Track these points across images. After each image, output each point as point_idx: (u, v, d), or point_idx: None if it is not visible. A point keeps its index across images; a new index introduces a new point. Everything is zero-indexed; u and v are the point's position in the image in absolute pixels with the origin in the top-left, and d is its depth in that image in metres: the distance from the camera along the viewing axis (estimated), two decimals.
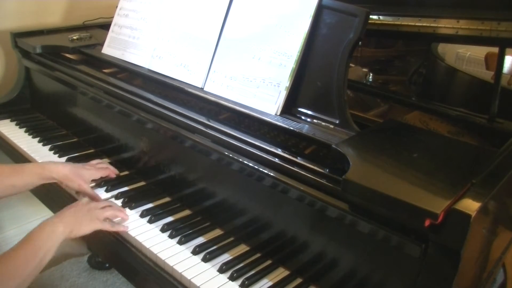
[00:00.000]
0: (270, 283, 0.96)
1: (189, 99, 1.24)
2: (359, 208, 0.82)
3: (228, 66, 1.19)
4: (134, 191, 1.25)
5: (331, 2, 1.05)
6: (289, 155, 0.95)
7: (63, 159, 1.41)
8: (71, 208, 1.06)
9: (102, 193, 1.24)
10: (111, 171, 1.30)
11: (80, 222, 1.03)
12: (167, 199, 1.23)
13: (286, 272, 0.99)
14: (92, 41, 1.67)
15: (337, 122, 1.03)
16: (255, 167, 0.98)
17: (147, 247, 1.03)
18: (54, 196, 1.31)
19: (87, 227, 1.03)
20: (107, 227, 1.06)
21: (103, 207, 1.10)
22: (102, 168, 1.29)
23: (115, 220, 1.11)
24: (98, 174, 1.26)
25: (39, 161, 1.36)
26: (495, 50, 1.23)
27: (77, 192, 1.22)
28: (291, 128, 1.02)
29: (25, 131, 1.58)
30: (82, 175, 1.21)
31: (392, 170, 0.83)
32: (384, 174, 0.82)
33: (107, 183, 1.27)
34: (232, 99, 1.16)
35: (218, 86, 1.20)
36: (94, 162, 1.32)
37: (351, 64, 1.43)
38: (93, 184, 1.26)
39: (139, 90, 1.29)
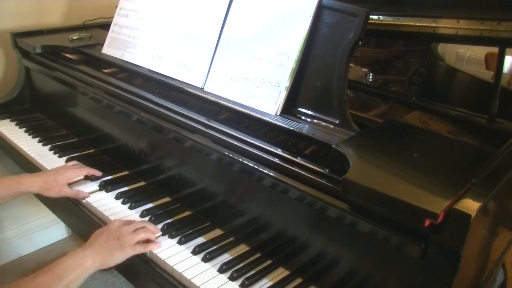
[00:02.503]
0: (270, 283, 0.96)
1: (189, 99, 1.24)
2: (359, 208, 0.82)
3: (228, 66, 1.19)
4: (134, 191, 1.25)
5: (331, 2, 1.05)
6: (289, 155, 0.95)
7: (63, 159, 1.41)
8: (100, 236, 0.99)
9: (102, 193, 1.24)
10: (90, 170, 1.28)
11: (111, 252, 0.96)
12: (167, 199, 1.23)
13: (286, 272, 0.99)
14: (92, 41, 1.67)
15: (337, 122, 1.03)
16: (255, 167, 0.98)
17: None
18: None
19: (119, 257, 0.97)
20: (139, 251, 1.00)
21: (135, 230, 1.02)
22: (77, 168, 1.27)
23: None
24: (73, 175, 1.24)
25: (14, 175, 1.28)
26: (495, 50, 1.23)
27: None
28: (291, 128, 1.02)
29: (25, 131, 1.58)
30: (57, 180, 1.20)
31: (392, 170, 0.83)
32: (384, 174, 0.82)
33: (107, 183, 1.27)
34: (232, 99, 1.16)
35: (218, 86, 1.20)
36: (70, 163, 1.32)
37: (351, 64, 1.44)
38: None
39: (139, 90, 1.29)
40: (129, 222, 1.05)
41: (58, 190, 1.20)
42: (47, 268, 0.91)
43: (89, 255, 0.95)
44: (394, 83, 1.78)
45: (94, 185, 1.27)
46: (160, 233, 1.07)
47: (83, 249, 0.96)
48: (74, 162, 1.34)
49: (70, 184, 1.24)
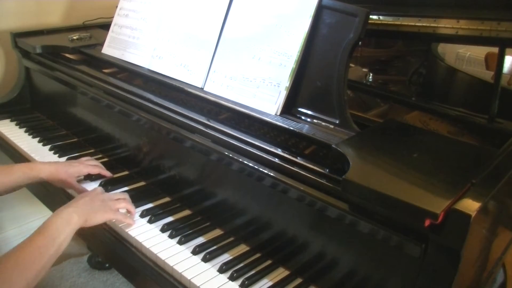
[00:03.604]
0: (270, 283, 0.96)
1: (189, 99, 1.24)
2: (359, 208, 0.82)
3: (228, 66, 1.19)
4: (134, 191, 1.25)
5: (331, 2, 1.05)
6: (289, 155, 0.95)
7: (63, 159, 1.41)
8: (85, 196, 1.07)
9: None
10: (102, 170, 1.30)
11: (95, 211, 1.03)
12: (167, 199, 1.23)
13: (286, 272, 0.99)
14: (92, 41, 1.67)
15: (337, 122, 1.03)
16: (255, 167, 0.98)
17: (147, 247, 1.03)
18: (54, 196, 1.31)
19: (101, 217, 1.04)
20: (119, 217, 1.08)
21: (117, 199, 1.11)
22: (90, 165, 1.29)
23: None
24: (85, 170, 1.26)
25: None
26: (495, 50, 1.23)
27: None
28: (291, 128, 1.02)
29: (25, 131, 1.58)
30: (68, 172, 1.22)
31: (392, 170, 0.83)
32: (384, 174, 0.82)
33: (107, 183, 1.27)
34: (232, 99, 1.16)
35: (218, 86, 1.20)
36: (84, 159, 1.33)
37: (351, 64, 1.44)
38: (90, 182, 1.27)
39: (139, 90, 1.29)
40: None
41: (65, 179, 1.21)
42: (38, 231, 0.94)
43: (75, 212, 0.99)
44: (394, 83, 1.78)
45: (95, 185, 1.27)
46: (135, 213, 1.13)
47: (68, 207, 1.01)
48: (88, 158, 1.34)
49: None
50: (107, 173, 1.30)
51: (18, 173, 1.19)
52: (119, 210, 1.11)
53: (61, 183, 1.23)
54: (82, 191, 1.21)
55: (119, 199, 1.12)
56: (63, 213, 0.98)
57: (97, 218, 1.04)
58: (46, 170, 1.20)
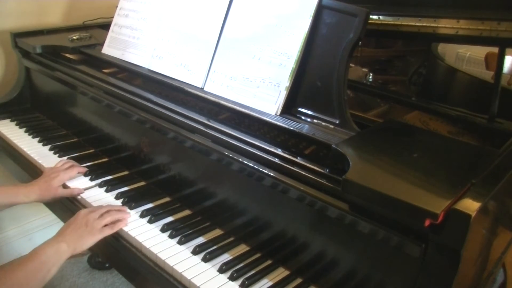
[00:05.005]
0: (270, 283, 0.96)
1: (189, 99, 1.24)
2: (359, 208, 0.82)
3: (228, 66, 1.19)
4: (134, 191, 1.25)
5: (331, 2, 1.05)
6: (289, 155, 0.95)
7: (63, 159, 1.41)
8: (70, 225, 1.07)
9: (102, 193, 1.24)
10: (79, 168, 1.31)
11: (81, 238, 1.04)
12: (167, 199, 1.23)
13: (286, 272, 0.99)
14: (92, 41, 1.67)
15: (337, 122, 1.03)
16: (255, 167, 0.98)
17: (147, 247, 1.03)
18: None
19: (89, 241, 1.05)
20: (107, 233, 1.07)
21: (101, 215, 1.09)
22: (67, 168, 1.29)
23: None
24: (65, 177, 1.27)
25: (10, 185, 1.31)
26: (495, 50, 1.23)
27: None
28: (291, 128, 1.02)
29: (25, 131, 1.58)
30: (51, 185, 1.23)
31: (392, 170, 0.83)
32: (384, 174, 0.82)
33: (107, 183, 1.27)
34: (232, 99, 1.16)
35: (218, 86, 1.20)
36: (59, 164, 1.32)
37: (351, 64, 1.44)
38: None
39: (139, 90, 1.29)
40: (95, 209, 1.11)
41: (54, 194, 1.23)
42: (28, 258, 0.96)
43: (64, 242, 1.01)
44: (394, 83, 1.78)
45: (93, 185, 1.27)
46: (129, 211, 1.14)
47: (56, 238, 1.03)
48: (64, 161, 1.34)
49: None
50: (83, 169, 1.32)
51: (2, 196, 1.21)
52: (108, 222, 1.09)
53: (50, 199, 1.24)
54: (72, 194, 1.23)
55: (103, 214, 1.09)
56: (52, 242, 1.01)
57: (85, 244, 1.04)
58: (32, 194, 1.23)
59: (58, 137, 1.55)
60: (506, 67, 1.85)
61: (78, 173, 1.31)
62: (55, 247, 0.99)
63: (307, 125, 1.04)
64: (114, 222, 1.09)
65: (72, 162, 1.33)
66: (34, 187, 1.24)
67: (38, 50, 1.60)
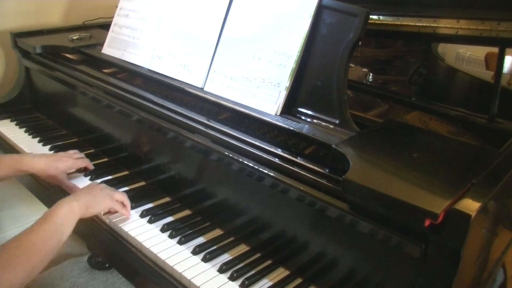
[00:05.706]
0: (270, 283, 0.96)
1: (189, 99, 1.24)
2: (359, 208, 0.82)
3: (228, 66, 1.19)
4: (134, 191, 1.25)
5: (331, 2, 1.05)
6: (289, 155, 0.95)
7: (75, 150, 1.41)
8: (84, 189, 1.11)
9: None
10: (88, 164, 1.32)
11: (95, 199, 1.06)
12: (167, 199, 1.23)
13: (286, 272, 0.99)
14: (92, 41, 1.67)
15: (337, 122, 1.03)
16: (255, 167, 0.98)
17: (147, 247, 1.03)
18: (54, 196, 1.31)
19: (101, 204, 1.08)
20: (117, 206, 1.10)
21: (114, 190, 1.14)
22: (78, 158, 1.30)
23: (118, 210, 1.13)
24: (74, 166, 1.28)
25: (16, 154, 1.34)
26: (495, 50, 1.23)
27: None
28: (291, 128, 1.02)
29: (25, 131, 1.58)
30: (58, 167, 1.22)
31: (392, 170, 0.83)
32: (384, 174, 0.82)
33: (107, 183, 1.27)
34: (232, 99, 1.16)
35: (218, 86, 1.20)
36: (71, 152, 1.33)
37: (351, 64, 1.43)
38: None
39: (139, 90, 1.29)
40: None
41: (56, 177, 1.22)
42: (42, 220, 0.95)
43: (76, 201, 1.02)
44: (394, 83, 1.78)
45: (89, 181, 1.27)
46: (129, 207, 1.15)
47: (69, 198, 1.03)
48: (75, 151, 1.35)
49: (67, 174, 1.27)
50: (91, 166, 1.33)
51: (5, 166, 1.19)
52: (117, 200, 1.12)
53: (50, 179, 1.23)
54: (71, 190, 1.22)
55: (116, 190, 1.14)
56: (64, 203, 1.00)
57: (98, 205, 1.06)
58: (36, 166, 1.21)
59: (58, 137, 1.55)
60: (506, 67, 1.85)
61: (84, 169, 1.31)
62: (67, 207, 0.99)
63: (307, 125, 1.04)
64: (124, 205, 1.12)
65: (82, 155, 1.33)
66: (40, 160, 1.23)
67: (38, 50, 1.60)
